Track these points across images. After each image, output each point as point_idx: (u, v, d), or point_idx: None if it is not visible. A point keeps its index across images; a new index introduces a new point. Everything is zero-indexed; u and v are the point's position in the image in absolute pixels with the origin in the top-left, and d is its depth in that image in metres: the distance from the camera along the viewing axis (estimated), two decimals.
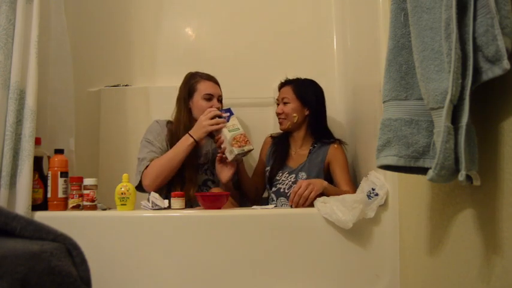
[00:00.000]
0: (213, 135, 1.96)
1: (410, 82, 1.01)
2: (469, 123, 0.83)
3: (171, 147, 1.88)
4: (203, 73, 2.05)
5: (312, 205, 1.57)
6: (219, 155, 1.90)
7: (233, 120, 1.88)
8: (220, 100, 2.02)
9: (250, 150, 1.88)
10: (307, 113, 1.97)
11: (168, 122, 2.00)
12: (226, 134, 1.84)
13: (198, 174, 1.97)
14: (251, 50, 2.41)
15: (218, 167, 1.91)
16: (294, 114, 1.95)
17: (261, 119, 2.20)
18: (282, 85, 2.04)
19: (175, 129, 1.96)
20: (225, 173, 1.89)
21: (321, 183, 1.70)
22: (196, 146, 1.89)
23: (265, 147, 2.10)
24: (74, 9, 2.30)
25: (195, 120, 1.93)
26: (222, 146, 1.85)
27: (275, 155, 2.01)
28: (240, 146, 1.83)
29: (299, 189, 1.63)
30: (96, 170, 2.24)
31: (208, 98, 1.97)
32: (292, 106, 1.96)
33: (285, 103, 1.98)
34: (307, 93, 1.97)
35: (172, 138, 1.92)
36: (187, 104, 1.98)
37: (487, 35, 0.78)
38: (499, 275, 0.88)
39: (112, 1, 2.46)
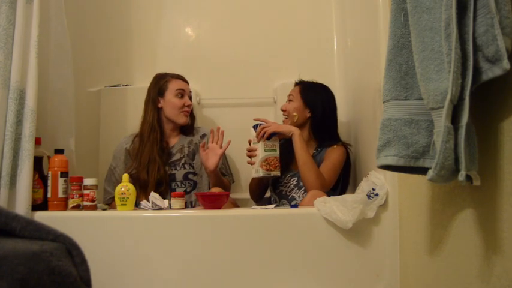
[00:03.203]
0: (185, 131, 2.05)
1: (410, 82, 1.01)
2: (469, 123, 0.83)
3: (136, 157, 1.96)
4: (173, 73, 2.09)
5: (311, 204, 1.57)
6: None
7: (274, 141, 1.87)
8: (190, 97, 2.07)
9: (275, 176, 1.88)
10: (308, 115, 1.95)
11: (136, 136, 2.04)
12: (261, 153, 1.83)
13: (177, 171, 1.98)
14: (251, 50, 2.41)
15: (203, 154, 1.90)
16: (295, 113, 1.94)
17: None
18: (295, 84, 2.05)
19: (141, 131, 2.01)
20: (211, 160, 1.88)
21: (288, 128, 1.85)
22: (167, 147, 1.99)
23: None
24: (74, 9, 2.30)
25: (166, 118, 2.01)
26: (253, 159, 1.85)
27: (281, 157, 1.99)
28: (267, 169, 1.83)
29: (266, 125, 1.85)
30: (96, 170, 2.25)
31: (181, 94, 2.01)
32: (294, 105, 1.96)
33: (289, 101, 1.99)
34: (312, 95, 1.96)
35: (136, 149, 1.99)
36: (156, 104, 2.02)
37: (487, 35, 0.78)
38: (499, 275, 0.88)
39: (112, 1, 2.46)
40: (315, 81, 2.04)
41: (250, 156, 1.86)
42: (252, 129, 1.88)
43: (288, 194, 1.93)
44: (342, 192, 1.93)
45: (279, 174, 1.88)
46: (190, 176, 2.01)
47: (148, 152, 1.95)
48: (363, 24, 1.91)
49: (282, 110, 2.00)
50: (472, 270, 0.99)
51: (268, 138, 1.84)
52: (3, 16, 1.58)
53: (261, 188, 2.04)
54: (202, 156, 1.91)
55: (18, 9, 1.60)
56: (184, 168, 2.01)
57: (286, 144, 1.93)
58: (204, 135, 2.08)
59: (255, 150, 1.84)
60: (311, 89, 1.99)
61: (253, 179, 2.00)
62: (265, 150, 1.83)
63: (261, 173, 1.82)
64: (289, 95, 2.00)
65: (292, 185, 1.93)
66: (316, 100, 1.96)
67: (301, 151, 1.81)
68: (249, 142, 1.89)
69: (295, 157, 1.88)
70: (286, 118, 1.98)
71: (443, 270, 1.14)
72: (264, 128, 1.84)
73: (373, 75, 1.69)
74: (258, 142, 1.84)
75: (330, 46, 2.41)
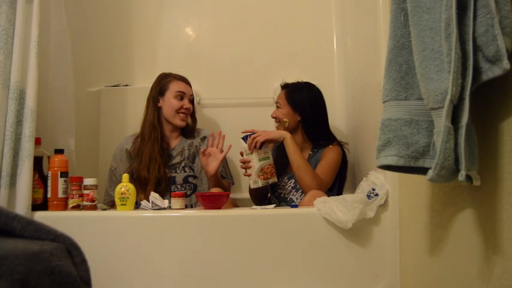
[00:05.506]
0: (186, 134, 2.04)
1: (410, 82, 1.01)
2: (469, 123, 0.83)
3: (137, 154, 1.97)
4: (176, 74, 2.08)
5: (311, 204, 1.57)
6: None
7: (266, 147, 1.87)
8: (191, 101, 2.05)
9: (273, 182, 1.88)
10: (298, 118, 1.95)
11: (137, 136, 2.04)
12: (256, 164, 1.83)
13: (177, 174, 1.99)
14: (251, 50, 2.41)
15: (203, 160, 1.90)
16: (285, 119, 1.94)
17: (261, 119, 2.20)
18: (281, 88, 2.04)
19: (142, 129, 2.02)
20: (212, 165, 1.88)
21: (279, 133, 1.86)
22: (167, 149, 1.99)
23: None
24: (74, 9, 2.30)
25: (164, 119, 2.01)
26: (248, 171, 1.84)
27: (277, 161, 1.97)
28: (265, 179, 1.83)
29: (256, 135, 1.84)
30: (96, 170, 2.25)
31: (180, 96, 2.00)
32: (283, 111, 1.95)
33: (278, 107, 1.98)
34: (298, 99, 1.95)
35: (137, 148, 1.99)
36: (157, 103, 2.02)
37: (487, 35, 0.78)
38: (499, 275, 0.88)
39: (112, 1, 2.46)
40: (299, 81, 2.02)
41: (245, 168, 1.86)
42: (242, 141, 1.87)
43: (286, 196, 1.93)
44: (339, 191, 1.93)
45: (276, 180, 1.88)
46: (190, 179, 2.01)
47: (149, 151, 1.95)
48: (363, 24, 1.91)
49: (273, 117, 1.99)
50: (472, 270, 0.99)
51: (260, 147, 1.84)
52: (3, 16, 1.58)
53: (261, 193, 2.05)
54: (202, 161, 1.91)
55: (18, 9, 1.60)
56: (185, 171, 2.01)
57: (280, 147, 1.93)
58: (204, 138, 2.08)
59: (249, 162, 1.84)
60: (296, 91, 1.97)
61: (253, 189, 2.00)
62: (259, 160, 1.83)
63: (259, 184, 1.82)
64: (276, 101, 2.00)
65: (290, 187, 1.93)
66: (303, 102, 1.94)
67: (295, 154, 1.81)
68: (241, 154, 1.88)
69: None
70: (278, 123, 1.98)
71: (443, 270, 1.14)
72: (254, 138, 1.83)
73: (373, 75, 1.69)
74: (252, 153, 1.84)
75: (330, 46, 2.41)
